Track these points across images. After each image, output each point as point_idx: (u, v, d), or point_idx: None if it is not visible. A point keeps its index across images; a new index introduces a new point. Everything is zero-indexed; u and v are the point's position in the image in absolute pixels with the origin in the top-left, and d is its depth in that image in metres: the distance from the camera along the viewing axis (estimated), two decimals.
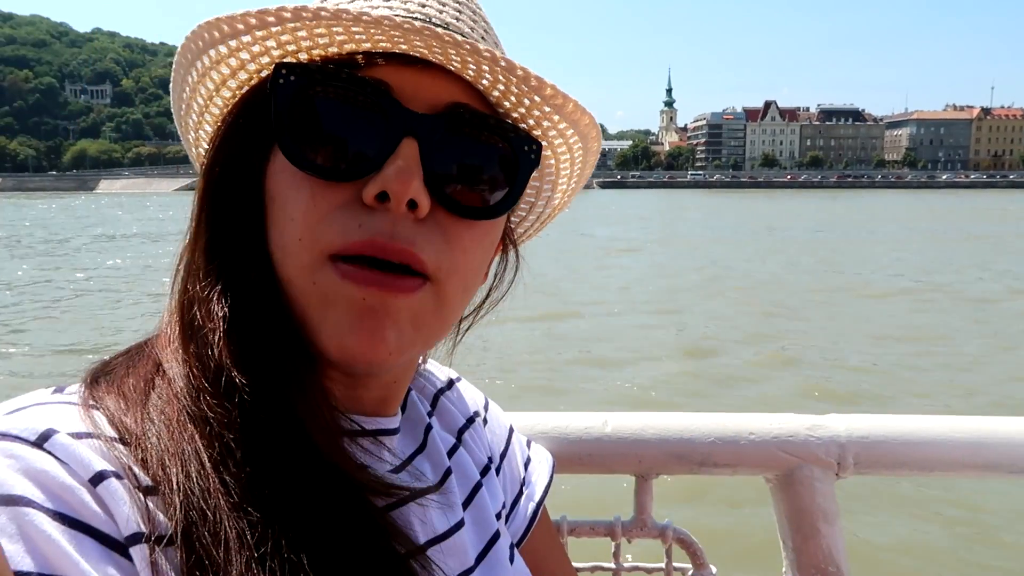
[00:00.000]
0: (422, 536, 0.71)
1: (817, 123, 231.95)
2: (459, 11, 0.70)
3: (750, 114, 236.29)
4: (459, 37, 0.59)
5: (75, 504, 0.50)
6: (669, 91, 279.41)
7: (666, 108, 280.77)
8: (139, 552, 0.51)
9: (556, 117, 0.69)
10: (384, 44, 0.63)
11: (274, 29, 0.63)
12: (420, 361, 0.91)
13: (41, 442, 0.52)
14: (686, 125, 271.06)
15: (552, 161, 0.78)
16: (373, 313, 0.61)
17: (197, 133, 0.76)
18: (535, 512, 0.96)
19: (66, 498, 0.50)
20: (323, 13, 0.60)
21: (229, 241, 0.65)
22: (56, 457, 0.51)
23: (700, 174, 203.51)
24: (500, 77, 0.64)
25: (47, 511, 0.48)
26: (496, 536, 0.83)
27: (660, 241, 33.96)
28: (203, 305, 0.62)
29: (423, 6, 0.68)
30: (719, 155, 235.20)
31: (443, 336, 0.71)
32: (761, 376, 10.13)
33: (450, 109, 0.64)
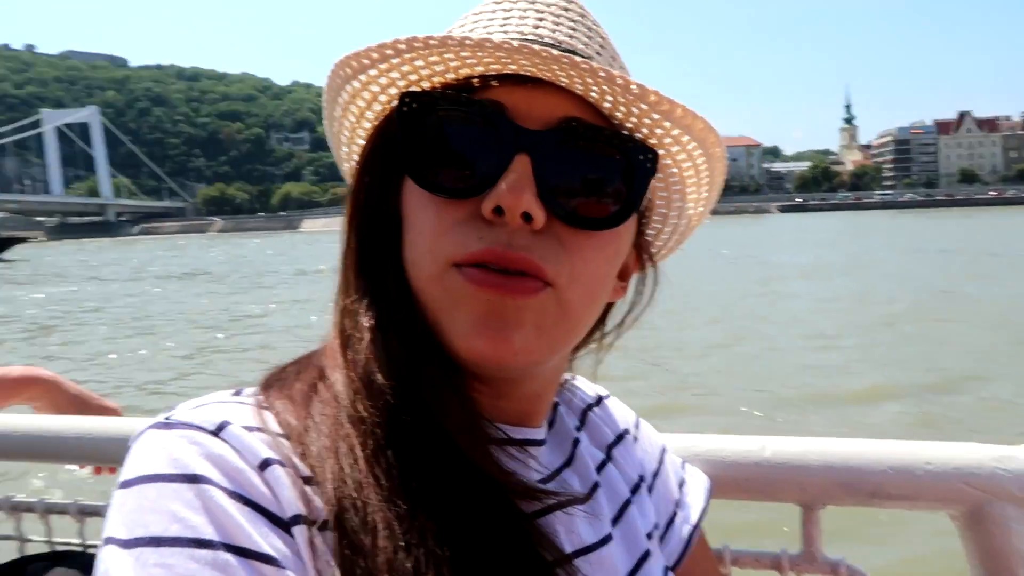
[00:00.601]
0: (568, 546, 0.72)
1: (1022, 132, 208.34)
2: (573, 28, 0.73)
3: (941, 127, 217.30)
4: (555, 52, 0.62)
5: (247, 485, 0.56)
6: (848, 107, 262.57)
7: (846, 125, 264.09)
8: (300, 532, 0.56)
9: (667, 124, 0.70)
10: (495, 66, 0.66)
11: (394, 61, 0.69)
12: (570, 377, 0.93)
13: (218, 431, 0.58)
14: (869, 143, 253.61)
15: (675, 170, 0.79)
16: (496, 315, 0.64)
17: (350, 164, 0.84)
18: (691, 535, 0.94)
19: (239, 480, 0.56)
20: (431, 41, 0.64)
21: (372, 258, 0.72)
22: (230, 445, 0.58)
23: (889, 194, 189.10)
24: (605, 88, 0.66)
25: (224, 490, 0.55)
26: (646, 555, 0.82)
27: (847, 266, 31.65)
28: (353, 317, 0.69)
29: (536, 27, 0.72)
30: (908, 173, 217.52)
31: (570, 343, 0.73)
32: (981, 418, 9.00)
33: (563, 124, 0.66)
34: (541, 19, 0.73)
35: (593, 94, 0.67)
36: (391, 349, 0.66)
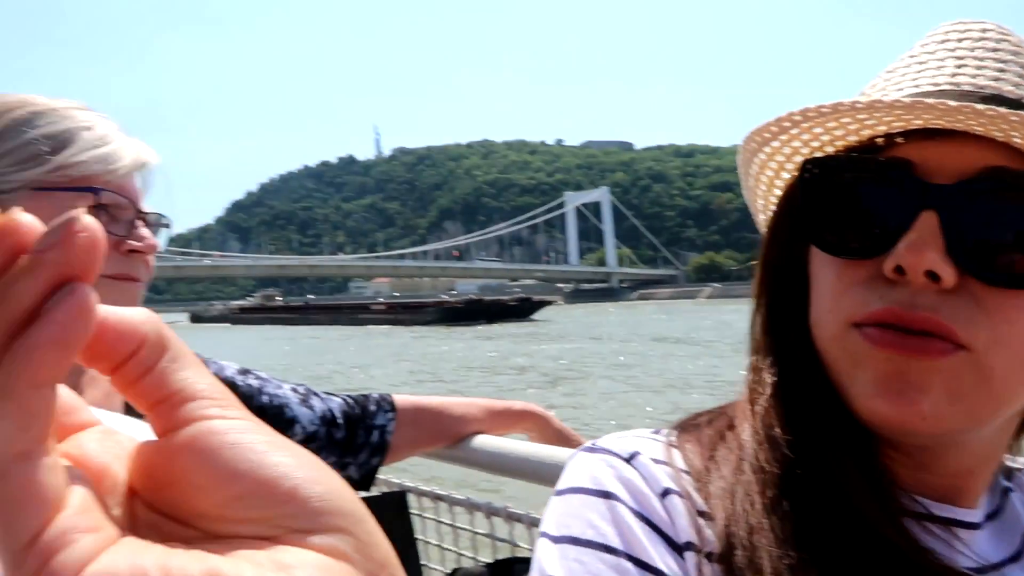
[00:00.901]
0: None
1: None
2: (1001, 70, 0.67)
3: None
4: (952, 103, 0.59)
5: (649, 508, 0.63)
6: None
7: None
8: (691, 557, 0.61)
9: None
10: (897, 124, 0.65)
11: (793, 132, 0.72)
12: None
13: (630, 459, 0.67)
14: None
15: None
16: (898, 375, 0.62)
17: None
18: None
19: (643, 502, 0.63)
20: (823, 109, 0.65)
21: (779, 319, 0.76)
22: (639, 472, 0.66)
23: None
24: None
25: (630, 508, 0.63)
26: None
27: None
28: (758, 373, 0.74)
29: (954, 75, 0.67)
30: None
31: (996, 414, 0.65)
32: None
33: (981, 174, 0.62)
34: (961, 65, 0.68)
35: (1016, 139, 0.62)
36: (791, 405, 0.69)
